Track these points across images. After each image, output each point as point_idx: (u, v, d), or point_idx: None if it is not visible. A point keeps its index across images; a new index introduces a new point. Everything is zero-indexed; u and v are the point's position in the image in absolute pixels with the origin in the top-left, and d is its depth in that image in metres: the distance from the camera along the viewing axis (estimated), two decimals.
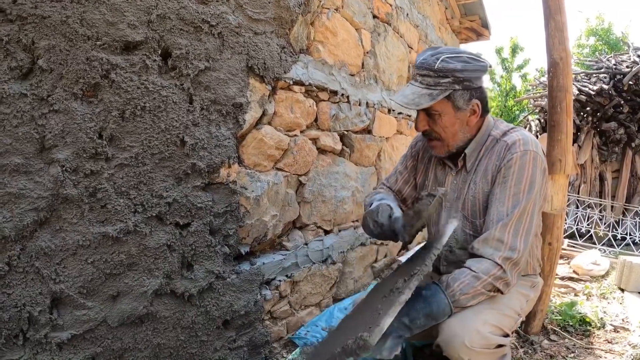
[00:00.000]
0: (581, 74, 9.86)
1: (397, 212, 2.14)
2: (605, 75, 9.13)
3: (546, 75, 3.77)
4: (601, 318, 3.79)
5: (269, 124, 2.67)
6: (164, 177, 2.07)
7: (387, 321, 1.49)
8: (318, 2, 3.02)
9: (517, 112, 20.28)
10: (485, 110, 2.21)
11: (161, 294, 2.14)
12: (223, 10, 2.25)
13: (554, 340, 3.40)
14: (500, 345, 2.01)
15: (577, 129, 9.05)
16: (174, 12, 2.03)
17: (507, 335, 2.07)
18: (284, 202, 2.85)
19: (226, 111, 2.30)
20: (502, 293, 2.01)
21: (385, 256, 4.61)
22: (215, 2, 2.22)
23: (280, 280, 2.86)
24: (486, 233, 2.04)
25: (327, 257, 3.37)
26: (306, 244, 3.13)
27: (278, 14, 2.59)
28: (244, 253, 2.54)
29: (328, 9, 3.20)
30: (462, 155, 2.24)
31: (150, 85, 1.97)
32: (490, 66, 2.23)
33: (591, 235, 8.10)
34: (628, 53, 10.19)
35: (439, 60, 2.04)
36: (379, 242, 4.35)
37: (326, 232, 3.44)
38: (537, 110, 10.94)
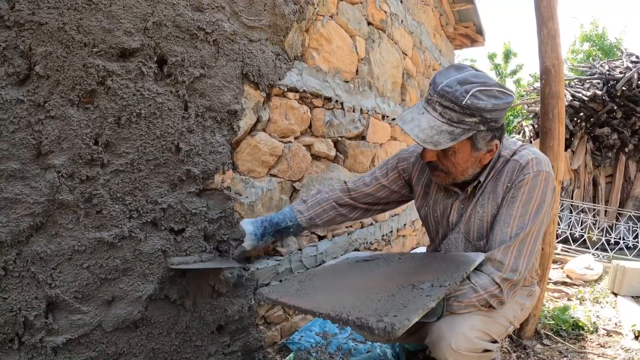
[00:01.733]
0: (575, 80, 9.94)
1: (247, 243, 2.28)
2: (599, 81, 9.19)
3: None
4: (594, 322, 3.82)
5: (264, 130, 2.68)
6: (159, 183, 2.09)
7: (414, 319, 1.47)
8: (313, 9, 3.04)
9: (511, 118, 20.29)
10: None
11: (156, 299, 2.15)
12: (218, 17, 2.27)
13: (547, 345, 3.43)
14: (486, 350, 2.01)
15: (571, 134, 9.11)
16: (169, 20, 2.05)
17: (495, 342, 2.06)
18: (278, 208, 2.85)
19: (221, 118, 2.32)
20: (494, 309, 2.01)
21: None
22: (210, 10, 2.23)
23: (274, 286, 2.85)
24: (489, 253, 2.02)
25: (321, 263, 3.38)
26: (300, 250, 3.14)
27: (273, 21, 2.61)
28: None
29: (323, 16, 3.22)
30: (477, 183, 2.15)
31: (146, 92, 1.99)
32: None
33: (585, 239, 8.15)
34: (621, 59, 10.27)
35: (469, 95, 1.85)
36: (373, 247, 4.37)
37: (320, 238, 3.45)
38: (530, 116, 11.01)
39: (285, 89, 2.78)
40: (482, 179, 2.13)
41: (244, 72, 2.43)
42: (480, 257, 1.98)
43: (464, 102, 1.84)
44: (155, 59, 2.04)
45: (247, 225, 2.29)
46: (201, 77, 2.21)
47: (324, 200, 2.49)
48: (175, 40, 2.09)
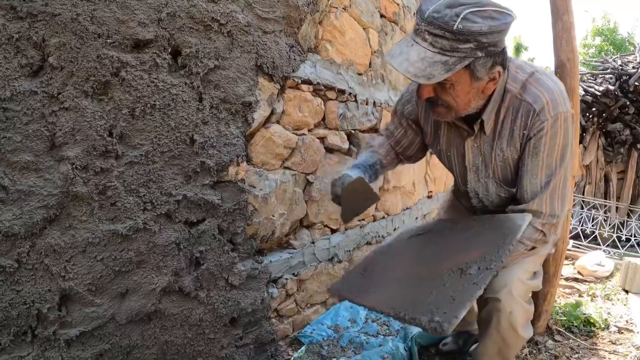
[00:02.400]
0: (587, 75, 9.85)
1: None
2: (611, 76, 9.10)
3: None
4: (605, 319, 3.78)
5: (278, 122, 2.66)
6: (173, 175, 2.07)
7: (462, 313, 1.49)
8: (326, 1, 3.01)
9: None
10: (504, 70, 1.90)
11: (169, 292, 2.15)
12: (232, 9, 2.24)
13: (559, 341, 3.40)
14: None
15: (583, 129, 9.04)
16: (184, 11, 2.03)
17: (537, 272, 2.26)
18: (292, 200, 2.84)
19: (235, 110, 2.29)
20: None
21: None
22: (224, 1, 2.21)
23: (287, 279, 2.86)
24: (523, 205, 2.01)
25: (334, 256, 3.37)
26: (313, 243, 3.13)
27: (287, 13, 2.58)
28: (251, 251, 2.54)
29: (336, 8, 3.19)
30: (479, 120, 1.98)
31: (160, 84, 1.97)
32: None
33: (596, 236, 8.10)
34: (634, 54, 10.18)
35: (460, 18, 1.62)
36: None
37: (333, 231, 3.43)
38: None
39: (299, 81, 2.75)
40: (485, 117, 1.97)
41: (258, 64, 2.41)
42: (525, 220, 1.91)
43: (455, 27, 1.63)
44: (169, 50, 2.02)
45: (352, 172, 2.22)
46: (215, 69, 2.19)
47: (383, 143, 2.46)
48: (190, 31, 2.07)
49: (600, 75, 9.56)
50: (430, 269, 1.92)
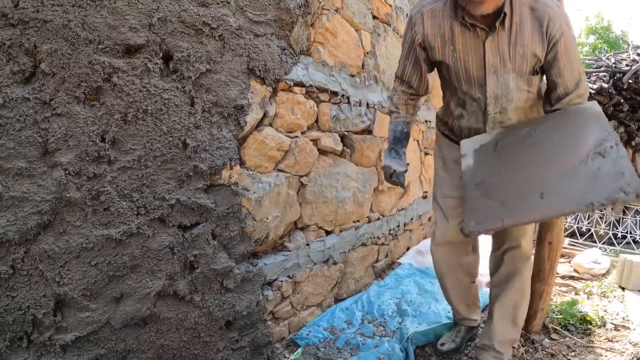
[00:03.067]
0: None
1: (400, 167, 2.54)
2: (605, 73, 9.11)
3: None
4: (602, 316, 3.80)
5: (270, 125, 2.67)
6: (166, 179, 2.08)
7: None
8: (318, 3, 3.03)
9: None
10: None
11: (164, 296, 2.16)
12: (224, 12, 2.26)
13: (555, 339, 3.41)
14: None
15: None
16: (175, 15, 2.04)
17: None
18: (286, 203, 2.85)
19: (227, 113, 2.31)
20: None
21: (387, 256, 4.63)
22: (215, 5, 2.22)
23: (282, 281, 2.87)
24: (572, 95, 2.31)
25: (329, 258, 3.39)
26: (307, 245, 3.14)
27: (278, 15, 2.60)
28: (246, 254, 2.55)
29: (328, 10, 3.20)
30: (502, 15, 2.18)
31: (152, 88, 1.99)
32: None
33: (592, 233, 8.10)
34: (628, 51, 10.18)
35: None
36: (380, 242, 4.39)
37: (327, 233, 3.44)
38: None
39: (292, 84, 2.77)
40: (507, 9, 2.18)
41: (250, 67, 2.42)
42: (595, 104, 2.21)
43: None
44: (161, 55, 2.03)
45: (389, 162, 2.56)
46: (207, 73, 2.20)
47: (402, 99, 2.73)
48: (181, 35, 2.09)
49: (594, 74, 9.56)
50: (554, 167, 2.03)
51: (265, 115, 2.60)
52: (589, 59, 11.68)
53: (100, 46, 1.83)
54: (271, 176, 2.71)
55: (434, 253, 2.85)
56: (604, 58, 10.16)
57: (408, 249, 5.33)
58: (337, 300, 3.69)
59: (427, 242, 5.70)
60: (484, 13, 2.15)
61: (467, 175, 2.29)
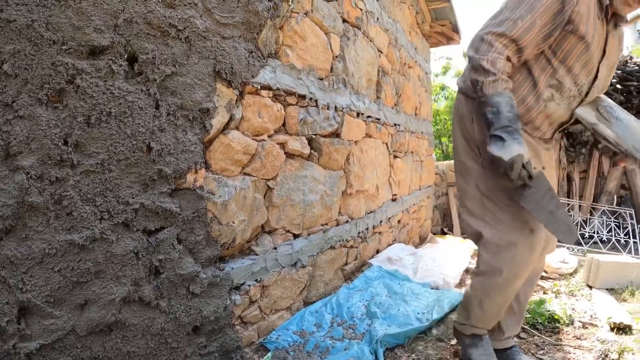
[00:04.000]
0: None
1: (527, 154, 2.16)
2: None
3: None
4: (570, 315, 3.88)
5: (237, 128, 2.68)
6: (130, 183, 2.07)
7: None
8: (287, 6, 3.04)
9: None
10: None
11: (129, 301, 2.14)
12: (191, 14, 2.26)
13: (524, 338, 3.48)
14: None
15: None
16: (141, 16, 2.04)
17: None
18: (252, 206, 2.86)
19: (193, 116, 2.31)
20: None
21: (356, 258, 4.67)
22: (182, 6, 2.22)
23: (249, 285, 2.87)
24: None
25: (297, 261, 3.40)
26: (275, 248, 3.15)
27: (246, 18, 2.60)
28: (212, 258, 2.55)
29: (297, 13, 3.22)
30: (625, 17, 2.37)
31: (116, 91, 1.97)
32: None
33: None
34: None
35: None
36: (349, 245, 4.42)
37: (295, 236, 3.46)
38: None
39: (259, 87, 2.78)
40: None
41: (217, 70, 2.43)
42: None
43: None
44: (125, 56, 2.02)
45: (517, 148, 2.13)
46: (172, 75, 2.20)
47: (507, 67, 2.33)
48: (147, 37, 2.08)
49: None
50: None
51: (231, 118, 2.60)
52: None
53: (64, 47, 1.81)
54: (237, 180, 2.71)
55: (512, 281, 2.47)
56: None
57: (378, 251, 5.38)
58: (307, 303, 3.70)
59: (398, 248, 5.74)
60: (626, 14, 2.35)
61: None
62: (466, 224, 2.60)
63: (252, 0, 2.63)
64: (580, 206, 8.99)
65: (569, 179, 9.35)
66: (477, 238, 2.54)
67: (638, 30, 30.45)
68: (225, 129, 2.59)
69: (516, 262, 2.39)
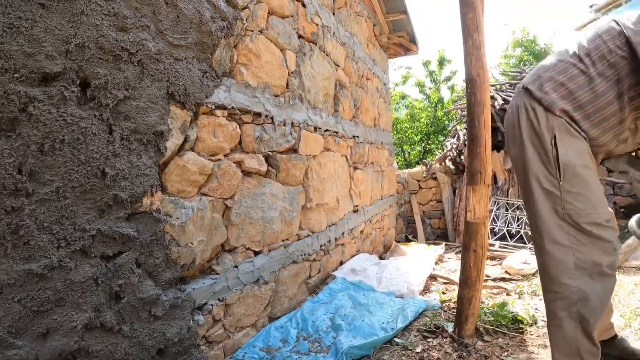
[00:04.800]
0: (506, 84, 10.30)
1: None
2: None
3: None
4: (533, 315, 3.98)
5: (192, 150, 2.70)
6: (86, 209, 2.08)
7: None
8: (242, 24, 3.08)
9: (447, 122, 20.70)
10: None
11: (91, 328, 2.14)
12: (143, 37, 2.28)
13: (488, 341, 3.53)
14: None
15: (503, 136, 9.36)
16: (92, 41, 2.05)
17: None
18: (211, 226, 2.88)
19: (147, 140, 2.33)
20: None
21: (320, 271, 4.71)
22: (135, 29, 2.24)
23: (212, 305, 2.88)
24: None
25: (259, 278, 3.42)
26: (236, 267, 3.16)
27: (200, 38, 2.63)
28: (172, 280, 2.56)
29: (252, 31, 3.26)
30: None
31: (69, 117, 1.98)
32: None
33: (521, 235, 8.39)
34: None
35: None
36: (312, 258, 4.45)
37: (256, 253, 3.48)
38: (464, 120, 11.25)
39: (213, 107, 2.81)
40: None
41: (170, 92, 2.45)
42: None
43: None
44: (78, 82, 2.03)
45: None
46: (125, 99, 2.21)
47: None
48: (99, 62, 2.09)
49: (517, 85, 9.99)
50: None
51: (186, 140, 2.63)
52: (513, 71, 12.23)
53: (16, 75, 1.81)
54: (194, 201, 2.73)
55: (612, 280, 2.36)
56: (527, 70, 10.62)
57: (341, 263, 5.42)
58: (272, 319, 3.72)
59: (362, 258, 5.78)
60: None
61: None
62: (540, 247, 2.48)
63: (205, 21, 2.66)
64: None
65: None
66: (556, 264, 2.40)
67: None
68: (180, 150, 2.61)
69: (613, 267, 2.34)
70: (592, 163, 2.37)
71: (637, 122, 2.36)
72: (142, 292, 2.35)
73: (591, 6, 31.38)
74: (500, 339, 3.58)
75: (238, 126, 3.14)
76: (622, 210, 9.20)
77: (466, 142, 10.39)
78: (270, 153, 3.60)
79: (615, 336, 2.96)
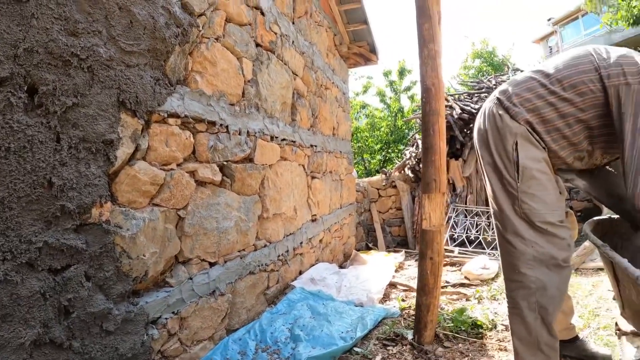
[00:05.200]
0: (464, 94, 10.57)
1: None
2: (487, 94, 9.67)
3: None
4: (492, 319, 4.03)
5: (143, 159, 2.64)
6: (32, 221, 2.00)
7: None
8: (197, 31, 3.04)
9: (407, 131, 20.93)
10: None
11: (40, 344, 2.06)
12: (94, 42, 2.22)
13: (448, 347, 3.56)
14: None
15: (462, 144, 9.48)
16: (42, 46, 1.99)
17: None
18: (163, 238, 2.82)
19: (96, 149, 2.26)
20: None
21: (278, 282, 4.66)
22: (86, 34, 2.18)
23: (167, 318, 2.83)
24: None
25: (215, 290, 3.37)
26: (191, 279, 3.11)
27: (153, 45, 2.58)
28: (124, 294, 2.49)
29: (208, 38, 3.22)
30: None
31: (15, 125, 1.91)
32: None
33: (480, 241, 8.50)
34: (507, 73, 10.89)
35: None
36: (269, 269, 4.42)
37: (211, 265, 3.42)
38: None
39: (166, 115, 2.76)
40: None
41: (121, 100, 2.39)
42: None
43: None
44: (25, 88, 1.96)
45: None
46: (74, 107, 2.15)
47: None
48: (47, 67, 2.03)
49: (476, 94, 10.23)
50: None
51: (137, 149, 2.57)
52: (471, 81, 12.52)
53: None
54: (146, 211, 2.67)
55: (567, 270, 2.58)
56: (485, 80, 10.95)
57: (300, 272, 5.39)
58: (230, 331, 3.67)
59: (321, 267, 5.76)
60: None
61: None
62: (503, 238, 2.68)
63: (159, 27, 2.61)
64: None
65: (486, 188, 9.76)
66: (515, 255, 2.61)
67: (550, 47, 31.95)
68: (131, 160, 2.54)
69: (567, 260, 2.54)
70: (550, 170, 2.56)
71: (594, 146, 2.56)
72: (93, 306, 2.28)
73: (549, 19, 32.44)
74: (460, 345, 3.61)
75: (192, 135, 3.09)
76: (578, 213, 9.44)
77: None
78: (225, 162, 3.55)
79: (577, 337, 3.15)
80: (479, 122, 2.83)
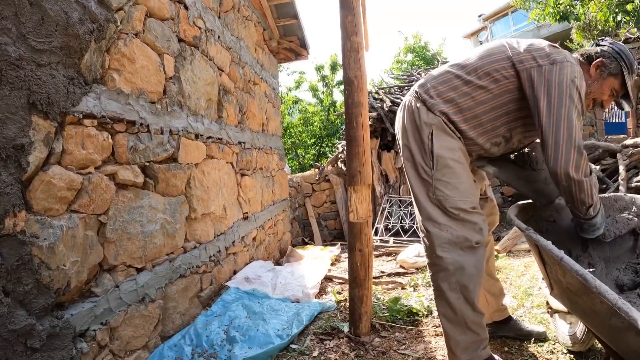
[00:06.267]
0: (395, 87, 10.83)
1: None
2: None
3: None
4: (427, 306, 4.15)
5: (58, 163, 2.50)
6: None
7: None
8: (115, 27, 2.93)
9: (340, 125, 21.15)
10: None
11: None
12: (3, 41, 2.08)
13: (385, 337, 3.61)
14: None
15: (393, 137, 9.61)
16: None
17: None
18: (85, 245, 2.69)
19: (6, 155, 2.12)
20: None
21: (212, 283, 4.60)
22: None
23: (95, 330, 2.72)
24: None
25: (144, 296, 3.27)
26: (117, 286, 2.99)
27: (66, 42, 2.45)
28: (47, 307, 2.37)
29: (126, 34, 3.11)
30: None
31: None
32: None
33: (414, 230, 8.67)
34: (437, 66, 11.22)
35: None
36: (201, 270, 4.36)
37: (139, 270, 3.30)
38: None
39: (81, 116, 2.63)
40: None
41: (31, 101, 2.25)
42: None
43: None
44: None
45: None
46: None
47: None
48: None
49: (406, 87, 10.51)
50: None
51: (51, 153, 2.43)
52: (401, 75, 12.87)
53: None
54: (63, 219, 2.54)
55: (481, 250, 2.76)
56: (415, 73, 11.30)
57: (235, 272, 5.35)
58: (164, 338, 3.60)
59: (256, 266, 5.72)
60: None
61: None
62: (421, 224, 2.86)
63: (72, 23, 2.48)
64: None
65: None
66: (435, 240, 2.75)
67: (480, 42, 32.98)
68: (45, 165, 2.41)
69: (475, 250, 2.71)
70: (465, 159, 2.78)
71: (511, 132, 2.80)
72: (14, 323, 2.15)
73: (480, 15, 33.40)
74: (397, 333, 3.67)
75: (110, 136, 2.95)
76: (509, 198, 9.74)
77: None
78: (147, 163, 3.44)
79: (510, 318, 3.38)
80: (399, 115, 2.99)
